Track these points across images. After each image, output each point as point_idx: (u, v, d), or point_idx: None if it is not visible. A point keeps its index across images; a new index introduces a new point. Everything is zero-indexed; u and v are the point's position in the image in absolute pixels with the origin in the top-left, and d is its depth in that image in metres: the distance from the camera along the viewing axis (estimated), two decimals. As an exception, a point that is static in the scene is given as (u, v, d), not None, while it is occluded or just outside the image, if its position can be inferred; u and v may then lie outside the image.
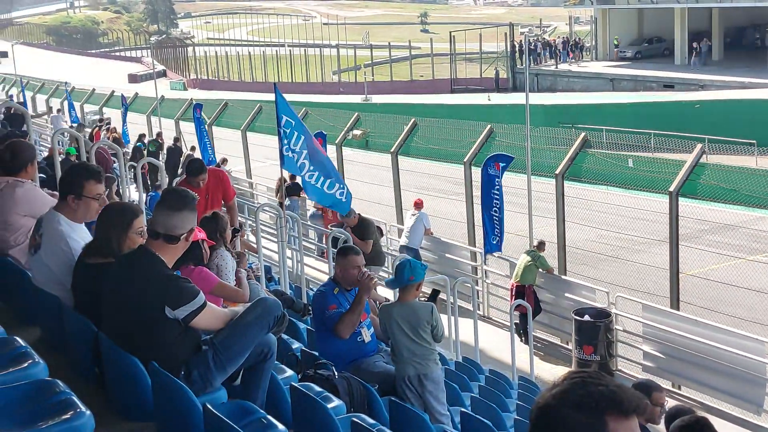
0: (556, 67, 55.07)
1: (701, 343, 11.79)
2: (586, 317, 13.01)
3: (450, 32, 63.16)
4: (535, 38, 62.46)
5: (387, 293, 10.56)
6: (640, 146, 28.29)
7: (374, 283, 6.73)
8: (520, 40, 53.55)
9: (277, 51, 75.15)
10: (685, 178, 12.92)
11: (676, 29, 52.75)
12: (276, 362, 5.06)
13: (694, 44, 50.78)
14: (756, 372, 11.18)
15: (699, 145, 13.75)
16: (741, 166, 16.37)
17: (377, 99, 49.54)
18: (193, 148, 21.32)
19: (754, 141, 29.19)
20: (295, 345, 6.56)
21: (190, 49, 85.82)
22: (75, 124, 31.68)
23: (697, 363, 11.94)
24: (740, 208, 15.28)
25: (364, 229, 13.47)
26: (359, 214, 13.67)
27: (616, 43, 56.72)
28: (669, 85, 46.05)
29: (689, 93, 41.68)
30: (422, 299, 7.05)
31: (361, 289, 6.51)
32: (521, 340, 13.79)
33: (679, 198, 12.97)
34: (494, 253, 15.39)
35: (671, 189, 12.91)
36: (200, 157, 13.03)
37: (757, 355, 11.19)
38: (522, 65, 53.50)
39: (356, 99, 49.96)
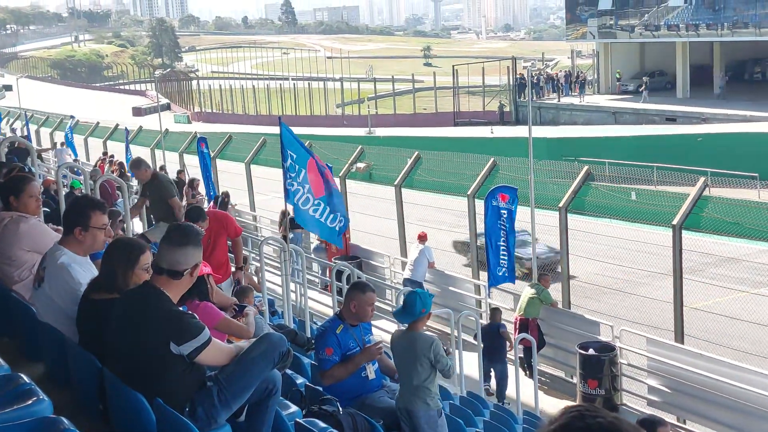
0: (559, 101, 55.36)
1: (706, 377, 11.73)
2: (591, 351, 12.97)
3: (453, 66, 63.66)
4: (538, 72, 62.93)
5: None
6: (643, 179, 28.27)
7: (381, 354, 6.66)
8: (523, 74, 53.85)
9: (281, 84, 75.61)
10: (688, 211, 12.92)
11: (678, 63, 53.04)
12: (280, 398, 5.04)
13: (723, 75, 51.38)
14: (761, 406, 11.09)
15: (702, 179, 13.74)
16: (744, 199, 16.37)
17: (381, 132, 49.74)
18: (192, 181, 21.24)
19: (757, 174, 29.20)
20: (300, 380, 6.52)
21: (194, 82, 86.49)
22: (75, 158, 31.76)
23: (702, 397, 11.87)
24: (744, 241, 15.24)
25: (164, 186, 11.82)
26: (155, 170, 12.18)
27: (618, 76, 57.01)
28: (671, 119, 46.20)
29: (691, 126, 41.80)
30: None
31: (364, 355, 6.42)
32: (525, 374, 13.73)
33: (683, 231, 12.96)
34: (500, 286, 15.33)
35: (675, 222, 12.91)
36: (199, 205, 12.72)
37: (763, 390, 11.11)
38: (525, 98, 53.82)
39: (360, 132, 50.18)
